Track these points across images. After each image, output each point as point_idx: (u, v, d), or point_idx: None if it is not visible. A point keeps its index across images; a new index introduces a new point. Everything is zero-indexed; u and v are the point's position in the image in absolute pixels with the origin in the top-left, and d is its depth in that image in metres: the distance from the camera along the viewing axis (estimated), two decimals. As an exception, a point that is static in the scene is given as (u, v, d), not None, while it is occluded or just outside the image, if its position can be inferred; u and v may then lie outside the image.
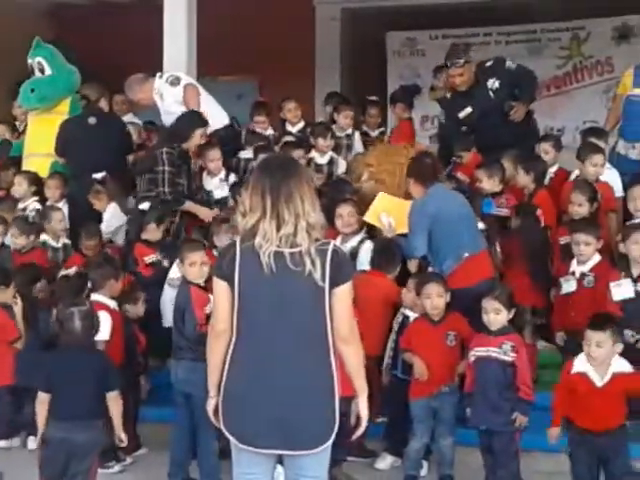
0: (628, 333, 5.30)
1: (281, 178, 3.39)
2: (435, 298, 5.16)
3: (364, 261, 5.85)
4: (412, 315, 5.41)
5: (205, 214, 6.68)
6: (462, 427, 5.05)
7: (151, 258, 6.33)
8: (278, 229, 3.34)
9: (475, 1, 9.63)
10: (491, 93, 6.99)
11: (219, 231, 6.08)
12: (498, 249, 5.95)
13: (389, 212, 5.93)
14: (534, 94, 7.22)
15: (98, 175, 6.96)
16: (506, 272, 5.98)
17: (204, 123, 6.85)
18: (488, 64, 7.14)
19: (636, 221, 5.80)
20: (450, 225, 5.40)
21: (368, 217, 6.05)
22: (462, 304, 5.20)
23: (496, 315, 4.84)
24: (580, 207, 5.87)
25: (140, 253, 6.34)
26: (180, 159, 6.68)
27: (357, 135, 7.60)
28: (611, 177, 6.33)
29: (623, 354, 4.69)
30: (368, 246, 5.92)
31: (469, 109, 7.01)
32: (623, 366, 4.62)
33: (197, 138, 6.77)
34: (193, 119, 6.85)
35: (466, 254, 5.41)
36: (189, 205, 6.71)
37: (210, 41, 7.88)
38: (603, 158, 6.22)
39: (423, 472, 5.24)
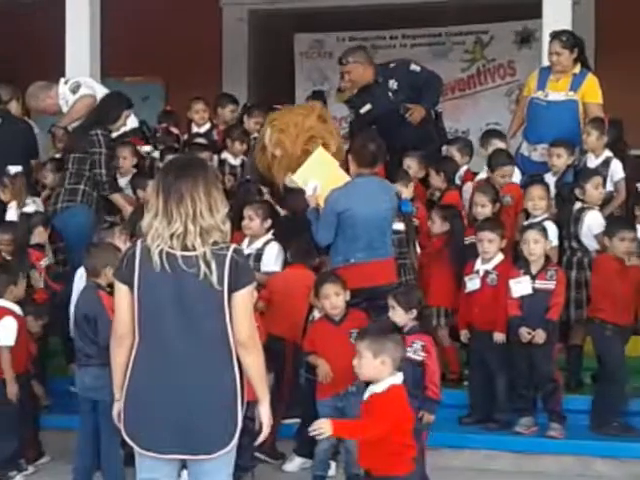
0: (524, 330, 5.46)
1: (175, 179, 3.36)
2: (333, 297, 5.15)
3: (269, 262, 5.84)
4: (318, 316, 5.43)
5: (127, 212, 6.54)
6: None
7: (45, 262, 6.20)
8: (169, 229, 3.31)
9: (382, 4, 9.71)
10: (390, 93, 7.07)
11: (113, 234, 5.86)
12: (418, 249, 6.03)
13: (320, 172, 5.67)
14: (437, 97, 7.26)
15: (12, 169, 6.77)
16: (427, 273, 6.07)
17: (130, 104, 6.83)
18: (391, 65, 7.22)
19: (534, 220, 5.94)
20: (354, 228, 5.32)
21: (297, 176, 5.73)
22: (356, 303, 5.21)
23: (393, 311, 4.90)
24: (483, 208, 6.00)
25: (36, 258, 6.19)
26: (112, 142, 6.66)
27: None
28: (515, 179, 6.50)
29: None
30: (273, 247, 5.92)
31: (369, 106, 7.09)
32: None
33: (123, 119, 6.77)
34: (120, 100, 6.84)
35: (359, 260, 5.33)
36: (116, 197, 6.62)
37: (115, 41, 7.76)
38: (512, 169, 6.37)
39: (331, 472, 5.24)
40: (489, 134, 6.94)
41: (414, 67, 7.18)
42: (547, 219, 5.93)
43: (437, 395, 4.79)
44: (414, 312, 4.88)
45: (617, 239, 5.58)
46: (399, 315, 4.89)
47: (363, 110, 7.15)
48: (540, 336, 5.43)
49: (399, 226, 5.89)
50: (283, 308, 5.57)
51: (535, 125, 6.70)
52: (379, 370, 3.76)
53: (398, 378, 3.80)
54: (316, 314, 5.43)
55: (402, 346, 3.90)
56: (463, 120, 9.91)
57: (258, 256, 5.88)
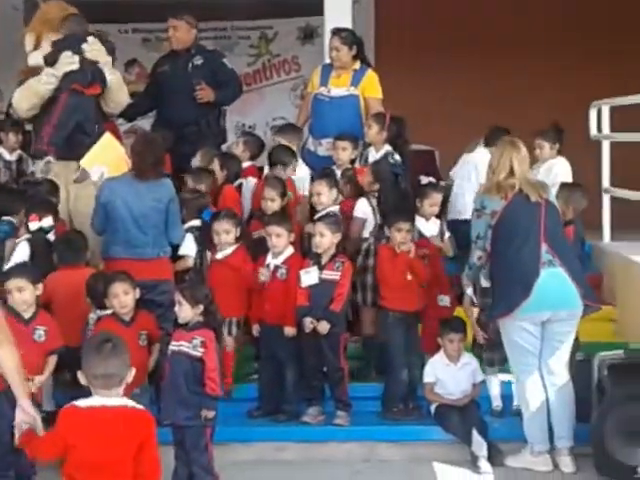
0: (307, 320, 5.56)
1: None
2: (122, 296, 5.08)
3: (17, 259, 5.59)
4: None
5: None
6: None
7: None
8: None
9: (166, -4, 9.59)
10: (190, 65, 7.09)
11: None
12: (209, 255, 5.94)
13: (106, 158, 5.70)
14: (232, 99, 7.33)
15: None
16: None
17: None
18: (209, 48, 7.51)
19: (321, 214, 6.05)
20: (114, 222, 5.49)
21: (85, 162, 5.76)
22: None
23: (179, 307, 4.87)
24: (273, 202, 6.04)
25: None
26: None
27: None
28: (303, 173, 6.59)
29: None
30: (22, 246, 5.69)
31: (167, 67, 7.16)
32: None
33: None
34: None
35: (116, 254, 5.48)
36: None
37: None
38: (295, 164, 6.45)
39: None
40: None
41: (226, 61, 7.33)
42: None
43: (215, 391, 4.76)
44: (200, 307, 4.85)
45: (394, 229, 5.79)
46: (185, 310, 4.85)
47: (160, 69, 7.21)
48: (323, 327, 5.54)
49: (196, 223, 5.93)
50: (67, 313, 5.32)
51: (319, 120, 6.84)
52: None
53: None
54: (92, 315, 5.28)
55: None
56: (250, 115, 9.97)
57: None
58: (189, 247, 5.86)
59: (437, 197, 6.18)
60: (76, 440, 3.28)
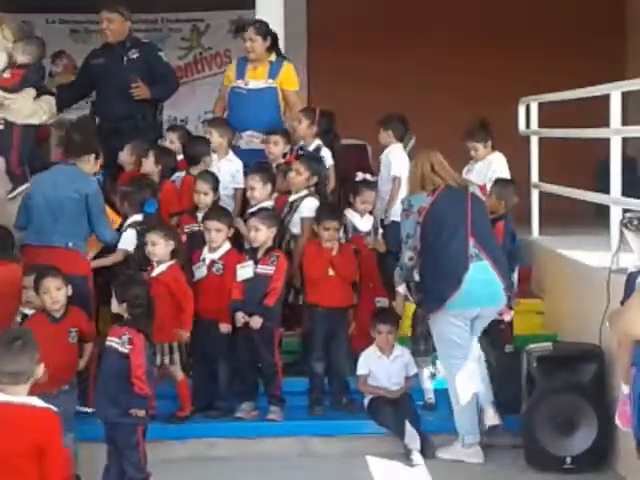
0: (239, 315, 5.55)
1: None
2: (54, 292, 5.00)
3: None
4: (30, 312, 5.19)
5: None
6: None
7: None
8: None
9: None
10: (125, 59, 6.99)
11: None
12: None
13: None
14: (168, 94, 7.23)
15: None
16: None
17: None
18: (144, 40, 7.37)
19: (254, 208, 6.03)
20: (32, 212, 5.54)
21: None
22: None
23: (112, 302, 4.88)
24: (206, 196, 5.99)
25: None
26: None
27: None
28: (236, 166, 6.54)
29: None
30: None
31: (101, 60, 7.03)
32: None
33: None
34: None
35: (29, 242, 5.50)
36: None
37: None
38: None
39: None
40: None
41: (162, 55, 7.25)
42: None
43: (143, 390, 4.69)
44: (124, 306, 4.82)
45: (322, 227, 5.79)
46: (113, 305, 4.84)
47: (94, 62, 7.08)
48: (255, 321, 5.52)
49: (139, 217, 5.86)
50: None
51: (239, 113, 6.75)
52: None
53: None
54: (25, 311, 5.19)
55: None
56: (181, 108, 9.86)
57: None
58: (126, 241, 5.77)
59: (369, 194, 6.19)
60: None
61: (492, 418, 5.42)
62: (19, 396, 3.32)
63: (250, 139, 6.67)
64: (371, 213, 6.29)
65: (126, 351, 4.70)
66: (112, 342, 4.76)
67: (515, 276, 5.91)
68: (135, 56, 7.01)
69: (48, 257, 5.35)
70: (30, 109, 6.28)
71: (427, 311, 5.44)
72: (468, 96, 9.34)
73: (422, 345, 5.74)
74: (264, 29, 6.74)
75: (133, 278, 5.12)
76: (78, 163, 5.62)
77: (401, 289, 5.65)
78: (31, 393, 4.72)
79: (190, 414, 5.62)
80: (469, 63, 9.68)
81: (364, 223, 6.19)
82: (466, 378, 5.34)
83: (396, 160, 6.47)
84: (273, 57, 6.81)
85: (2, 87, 6.23)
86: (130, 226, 5.84)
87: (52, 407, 3.36)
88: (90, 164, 5.67)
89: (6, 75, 6.28)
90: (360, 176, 6.41)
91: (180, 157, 6.63)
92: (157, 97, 7.07)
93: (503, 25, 9.88)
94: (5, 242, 5.44)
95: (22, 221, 5.61)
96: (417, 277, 5.43)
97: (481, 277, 5.23)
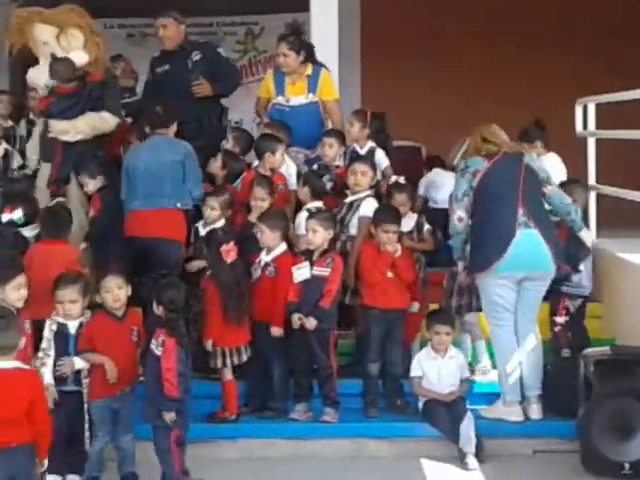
0: (295, 316, 5.56)
1: None
2: (115, 290, 5.04)
3: None
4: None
5: None
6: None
7: None
8: None
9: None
10: (190, 62, 7.06)
11: None
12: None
13: None
14: (231, 88, 7.29)
15: None
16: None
17: None
18: (201, 41, 7.56)
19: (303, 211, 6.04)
20: (135, 180, 6.06)
21: None
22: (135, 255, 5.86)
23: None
24: (263, 202, 6.01)
25: None
26: None
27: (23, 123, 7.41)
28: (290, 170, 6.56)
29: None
30: None
31: (167, 67, 7.11)
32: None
33: None
34: None
35: (136, 207, 5.99)
36: None
37: None
38: (282, 151, 6.40)
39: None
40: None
41: (221, 51, 7.37)
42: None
43: (171, 392, 4.68)
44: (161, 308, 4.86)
45: (381, 230, 5.77)
46: (155, 307, 4.88)
47: (160, 69, 7.14)
48: (310, 323, 5.52)
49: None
50: (37, 285, 5.22)
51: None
52: None
53: None
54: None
55: None
56: (237, 110, 9.91)
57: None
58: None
59: (401, 198, 6.12)
60: None
61: (536, 412, 5.53)
62: (8, 362, 4.03)
63: (295, 155, 6.69)
64: (414, 210, 6.24)
65: (158, 353, 4.73)
66: (152, 344, 4.80)
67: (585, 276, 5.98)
68: (198, 57, 7.07)
69: (156, 219, 5.94)
70: (64, 126, 6.38)
71: (473, 271, 5.57)
72: (518, 99, 9.26)
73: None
74: (297, 43, 6.72)
75: (172, 282, 5.12)
76: (167, 132, 6.22)
77: (460, 267, 5.75)
78: (99, 394, 4.87)
79: (235, 418, 5.62)
80: (518, 66, 9.60)
81: (405, 223, 6.09)
82: (509, 339, 5.49)
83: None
84: (309, 70, 6.79)
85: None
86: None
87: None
88: (174, 130, 6.29)
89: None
90: (393, 179, 6.35)
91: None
92: (219, 92, 7.11)
93: (555, 26, 9.78)
94: (62, 222, 5.63)
95: (124, 192, 6.11)
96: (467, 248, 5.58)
97: (527, 244, 5.42)
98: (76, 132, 6.33)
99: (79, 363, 4.97)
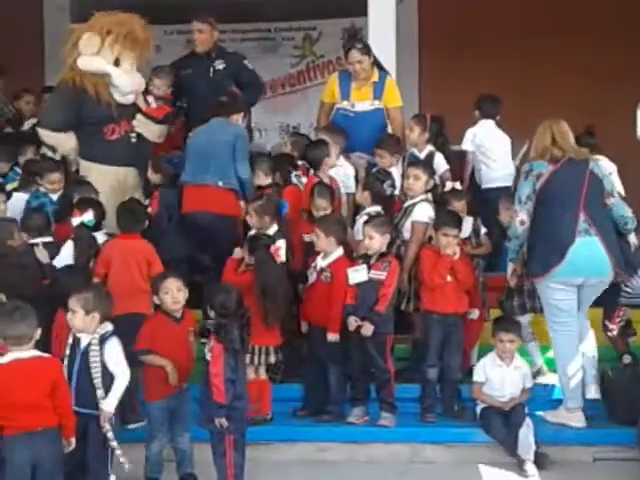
0: (352, 319, 5.55)
1: None
2: (175, 292, 5.07)
3: (62, 259, 5.65)
4: None
5: None
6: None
7: None
8: None
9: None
10: (212, 70, 7.19)
11: None
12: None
13: None
14: (255, 99, 7.43)
15: None
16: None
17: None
18: (229, 50, 7.56)
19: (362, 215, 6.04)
20: (194, 157, 6.45)
21: None
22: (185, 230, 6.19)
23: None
24: (325, 211, 5.99)
25: None
26: None
27: None
28: (347, 172, 6.61)
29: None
30: (68, 245, 5.76)
31: (190, 70, 7.25)
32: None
33: None
34: None
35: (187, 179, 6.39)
36: None
37: None
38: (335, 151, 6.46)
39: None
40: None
41: (247, 62, 7.38)
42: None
43: (218, 397, 4.68)
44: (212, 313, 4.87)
45: (441, 234, 5.76)
46: (208, 310, 4.90)
47: (183, 72, 7.30)
48: (367, 329, 5.52)
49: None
50: (118, 281, 5.45)
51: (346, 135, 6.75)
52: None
53: None
54: None
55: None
56: (293, 115, 10.00)
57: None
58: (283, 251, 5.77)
59: (458, 205, 6.09)
60: (0, 388, 4.19)
61: (594, 393, 5.58)
62: (25, 352, 4.24)
63: (357, 160, 6.71)
64: (470, 214, 6.21)
65: (208, 359, 4.75)
66: (205, 349, 4.83)
67: None
68: (221, 67, 7.21)
69: (201, 194, 6.32)
70: (163, 132, 6.82)
71: (531, 275, 5.56)
72: (578, 100, 9.13)
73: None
74: (368, 47, 6.76)
75: (224, 287, 5.08)
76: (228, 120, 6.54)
77: (511, 268, 5.72)
78: (159, 394, 4.91)
79: (302, 415, 5.67)
80: (580, 66, 9.47)
81: (464, 230, 6.01)
82: (570, 343, 5.46)
83: None
84: (376, 76, 6.81)
85: (148, 114, 6.63)
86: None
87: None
88: (238, 122, 6.60)
89: (153, 105, 6.80)
90: (449, 185, 6.31)
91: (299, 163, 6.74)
92: (248, 101, 7.16)
93: (615, 26, 9.61)
94: (137, 216, 5.78)
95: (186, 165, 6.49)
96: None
97: (586, 252, 5.38)
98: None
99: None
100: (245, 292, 5.10)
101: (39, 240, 5.75)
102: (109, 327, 4.69)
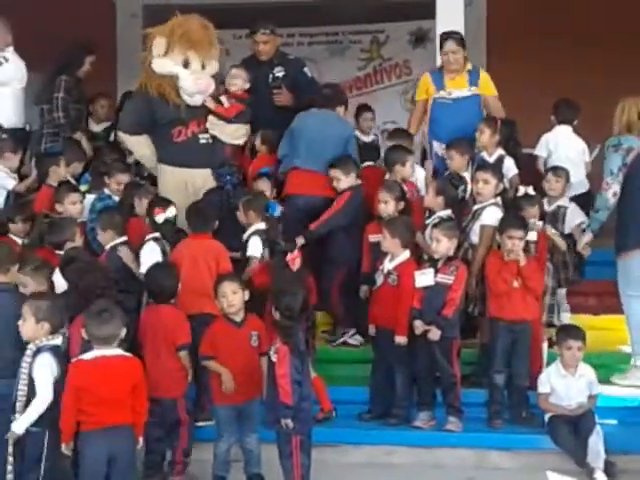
0: (418, 322, 5.54)
1: None
2: (230, 295, 5.07)
3: (149, 260, 5.68)
4: None
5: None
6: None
7: None
8: None
9: (279, 1, 9.70)
10: (271, 77, 7.23)
11: None
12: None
13: None
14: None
15: None
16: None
17: (93, 51, 7.60)
18: (290, 56, 7.50)
19: (436, 217, 6.01)
20: (307, 144, 6.49)
21: None
22: (291, 213, 6.28)
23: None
24: (386, 205, 6.03)
25: None
26: (76, 88, 7.42)
27: None
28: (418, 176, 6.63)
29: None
30: (150, 246, 5.81)
31: (251, 76, 7.15)
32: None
33: (87, 65, 7.56)
34: (83, 47, 7.63)
35: (299, 165, 6.44)
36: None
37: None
38: (412, 161, 6.52)
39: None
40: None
41: (306, 70, 7.40)
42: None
43: (285, 398, 4.66)
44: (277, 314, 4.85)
45: (506, 236, 5.71)
46: (273, 312, 4.89)
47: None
48: (434, 334, 5.49)
49: (262, 226, 5.99)
50: (188, 281, 5.46)
51: (444, 123, 6.77)
52: None
53: None
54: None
55: None
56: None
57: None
58: (254, 248, 5.91)
59: (532, 211, 6.03)
60: (85, 383, 4.37)
61: None
62: (111, 350, 4.44)
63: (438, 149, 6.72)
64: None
65: (274, 360, 4.74)
66: (270, 350, 4.81)
67: None
68: (281, 74, 7.23)
69: (309, 179, 6.43)
70: (240, 133, 6.72)
71: (621, 250, 5.63)
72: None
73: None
74: (463, 39, 6.77)
75: (289, 289, 4.95)
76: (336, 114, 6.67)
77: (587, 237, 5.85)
78: (226, 398, 5.01)
79: (369, 419, 5.68)
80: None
81: (531, 233, 5.97)
82: None
83: None
84: (469, 65, 6.85)
85: (220, 115, 6.59)
86: (254, 234, 5.95)
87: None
88: (341, 113, 6.77)
89: (226, 105, 6.64)
90: (522, 190, 6.23)
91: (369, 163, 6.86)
92: (300, 104, 7.14)
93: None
94: (207, 217, 5.84)
95: (285, 149, 6.61)
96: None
97: None
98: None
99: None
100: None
101: (118, 240, 5.84)
102: (56, 341, 4.62)
